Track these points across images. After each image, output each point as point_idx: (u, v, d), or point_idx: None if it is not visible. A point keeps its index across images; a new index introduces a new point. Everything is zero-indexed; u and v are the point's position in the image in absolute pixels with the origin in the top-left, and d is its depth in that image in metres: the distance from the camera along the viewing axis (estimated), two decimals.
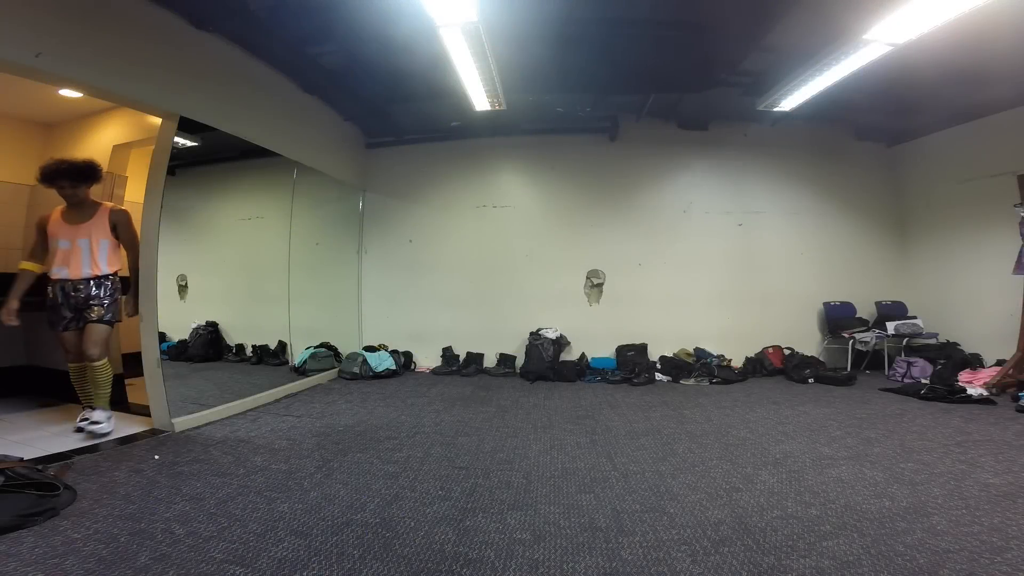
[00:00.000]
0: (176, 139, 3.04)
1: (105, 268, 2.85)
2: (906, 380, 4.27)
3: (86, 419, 2.77)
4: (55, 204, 3.79)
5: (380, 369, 4.71)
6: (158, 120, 3.03)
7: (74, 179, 2.76)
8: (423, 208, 5.43)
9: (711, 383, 4.40)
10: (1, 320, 2.63)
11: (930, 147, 4.97)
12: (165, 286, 3.20)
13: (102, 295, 2.83)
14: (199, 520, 1.81)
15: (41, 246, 2.83)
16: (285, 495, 2.05)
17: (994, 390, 3.63)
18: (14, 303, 2.69)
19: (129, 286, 2.97)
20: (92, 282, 2.81)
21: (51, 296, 2.78)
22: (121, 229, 2.90)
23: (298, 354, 4.66)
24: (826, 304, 5.08)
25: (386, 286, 5.42)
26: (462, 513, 1.90)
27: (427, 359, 5.25)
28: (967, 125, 4.56)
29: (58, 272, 2.77)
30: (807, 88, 3.78)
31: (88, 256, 2.80)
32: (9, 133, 3.82)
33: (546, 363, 4.71)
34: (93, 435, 2.71)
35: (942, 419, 3.14)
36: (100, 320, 2.81)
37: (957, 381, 3.86)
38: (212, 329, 4.92)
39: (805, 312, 5.14)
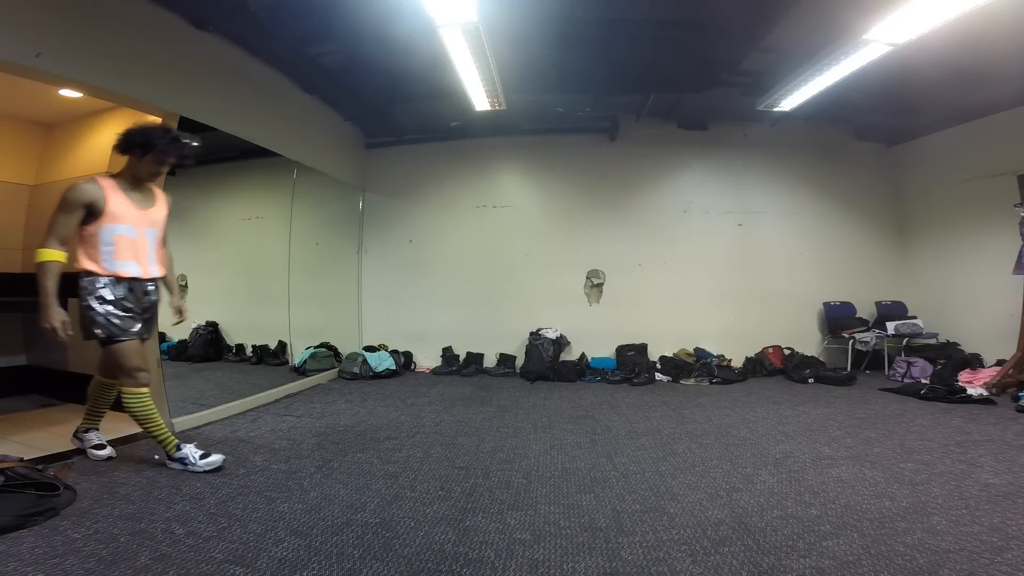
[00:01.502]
0: None
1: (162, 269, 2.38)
2: (906, 380, 4.27)
3: (81, 440, 2.44)
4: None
5: (380, 369, 4.72)
6: (158, 120, 3.02)
7: (188, 163, 2.33)
8: (423, 208, 5.43)
9: (711, 383, 4.40)
10: (56, 335, 2.06)
11: (930, 147, 4.97)
12: None
13: (158, 302, 2.37)
14: (199, 520, 1.81)
15: (69, 227, 2.08)
16: (285, 495, 2.05)
17: (994, 390, 3.63)
18: (59, 310, 2.07)
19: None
20: (156, 285, 2.36)
21: (113, 298, 2.17)
22: (166, 221, 2.42)
23: (298, 354, 4.66)
24: (826, 304, 5.08)
25: (386, 286, 5.42)
26: (462, 513, 1.90)
27: (427, 359, 5.25)
28: (967, 125, 4.56)
29: (125, 268, 2.19)
30: (807, 88, 3.78)
31: (154, 250, 2.31)
32: (9, 133, 3.81)
33: (546, 363, 4.71)
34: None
35: (942, 419, 3.14)
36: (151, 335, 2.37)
37: (957, 381, 3.86)
38: (212, 329, 4.92)
39: (805, 312, 5.14)
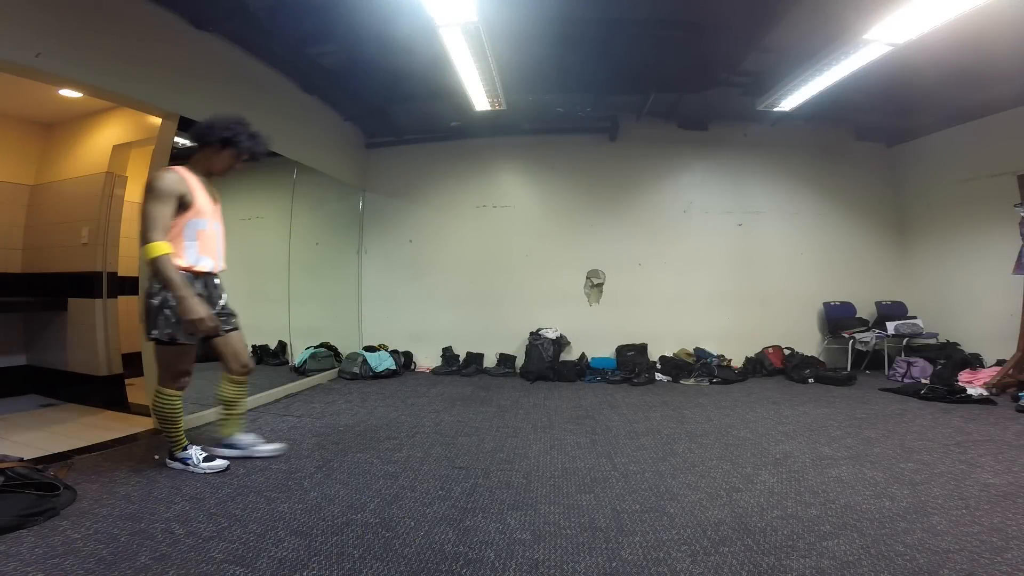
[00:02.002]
0: (176, 139, 3.04)
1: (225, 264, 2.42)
2: (906, 380, 4.27)
3: (234, 446, 2.38)
4: (58, 204, 3.83)
5: (380, 369, 4.71)
6: (158, 120, 3.03)
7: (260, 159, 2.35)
8: (423, 208, 5.43)
9: (711, 383, 4.40)
10: (206, 325, 2.06)
11: (930, 147, 4.96)
12: None
13: (224, 295, 2.38)
14: (199, 520, 1.81)
15: (169, 218, 2.05)
16: (285, 495, 2.05)
17: (994, 390, 3.63)
18: (200, 300, 2.07)
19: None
20: (221, 279, 2.38)
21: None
22: None
23: (298, 354, 4.66)
24: (826, 304, 5.08)
25: (386, 286, 5.42)
26: (462, 513, 1.90)
27: (427, 359, 5.25)
28: (967, 125, 4.56)
29: (203, 262, 2.19)
30: (807, 88, 3.78)
31: (222, 245, 2.34)
32: (9, 133, 3.82)
33: (546, 363, 4.71)
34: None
35: (942, 419, 3.14)
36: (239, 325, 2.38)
37: (957, 381, 3.85)
38: None
39: (805, 312, 5.14)
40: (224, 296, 2.40)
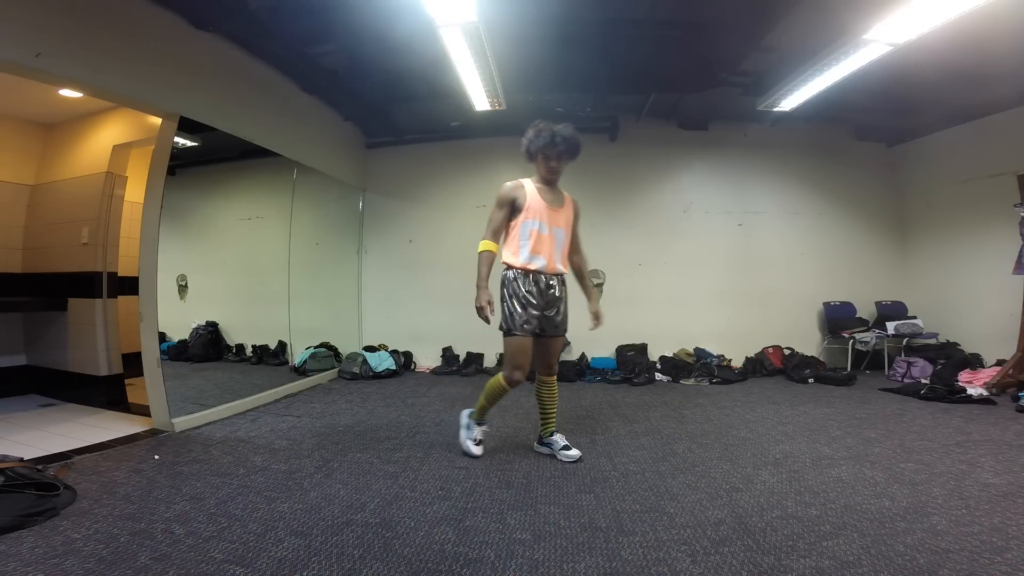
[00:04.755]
0: (176, 139, 3.04)
1: (565, 267, 2.54)
2: (906, 380, 4.27)
3: (548, 445, 2.55)
4: (58, 204, 3.83)
5: (380, 369, 4.71)
6: (158, 120, 3.03)
7: (574, 156, 2.45)
8: (423, 208, 5.43)
9: (711, 383, 4.40)
10: (485, 313, 2.27)
11: (930, 147, 4.96)
12: (165, 286, 3.20)
13: (565, 298, 2.50)
14: (199, 520, 1.81)
15: (499, 221, 2.38)
16: (285, 495, 2.05)
17: (994, 390, 3.63)
18: (487, 293, 2.30)
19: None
20: (560, 280, 2.48)
21: (523, 291, 2.36)
22: (575, 225, 2.62)
23: (298, 354, 4.66)
24: (826, 304, 5.08)
25: (386, 286, 5.42)
26: (462, 513, 1.90)
27: (427, 359, 5.25)
28: (967, 125, 4.56)
29: (536, 261, 2.37)
30: (807, 88, 3.78)
31: (560, 249, 2.45)
32: (9, 133, 3.82)
33: None
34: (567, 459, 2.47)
35: (942, 419, 3.14)
36: (566, 331, 2.53)
37: (957, 381, 3.86)
38: (212, 329, 4.91)
39: (805, 312, 5.14)
40: (562, 300, 2.48)
